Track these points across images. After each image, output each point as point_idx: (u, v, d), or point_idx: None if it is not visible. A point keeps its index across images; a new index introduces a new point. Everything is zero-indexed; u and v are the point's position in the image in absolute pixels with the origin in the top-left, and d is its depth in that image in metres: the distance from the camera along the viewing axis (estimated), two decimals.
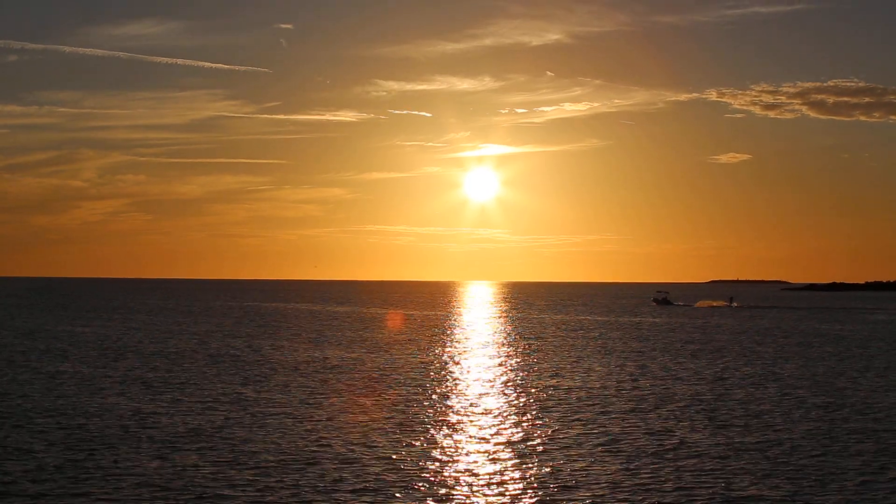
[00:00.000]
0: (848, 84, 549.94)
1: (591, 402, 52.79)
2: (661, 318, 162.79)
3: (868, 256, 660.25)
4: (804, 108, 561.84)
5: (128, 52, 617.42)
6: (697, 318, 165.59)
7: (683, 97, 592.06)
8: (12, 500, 29.66)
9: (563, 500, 30.23)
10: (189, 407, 49.80)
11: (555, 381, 63.82)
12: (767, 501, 30.18)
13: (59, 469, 33.96)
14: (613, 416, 47.83)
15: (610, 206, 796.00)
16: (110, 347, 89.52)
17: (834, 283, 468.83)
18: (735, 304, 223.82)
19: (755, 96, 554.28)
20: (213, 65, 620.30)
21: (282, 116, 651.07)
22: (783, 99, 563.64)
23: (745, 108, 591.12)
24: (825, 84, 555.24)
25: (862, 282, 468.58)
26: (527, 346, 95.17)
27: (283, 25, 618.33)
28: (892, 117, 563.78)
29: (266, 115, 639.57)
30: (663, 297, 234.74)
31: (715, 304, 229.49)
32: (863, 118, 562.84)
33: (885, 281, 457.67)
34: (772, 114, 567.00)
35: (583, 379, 65.08)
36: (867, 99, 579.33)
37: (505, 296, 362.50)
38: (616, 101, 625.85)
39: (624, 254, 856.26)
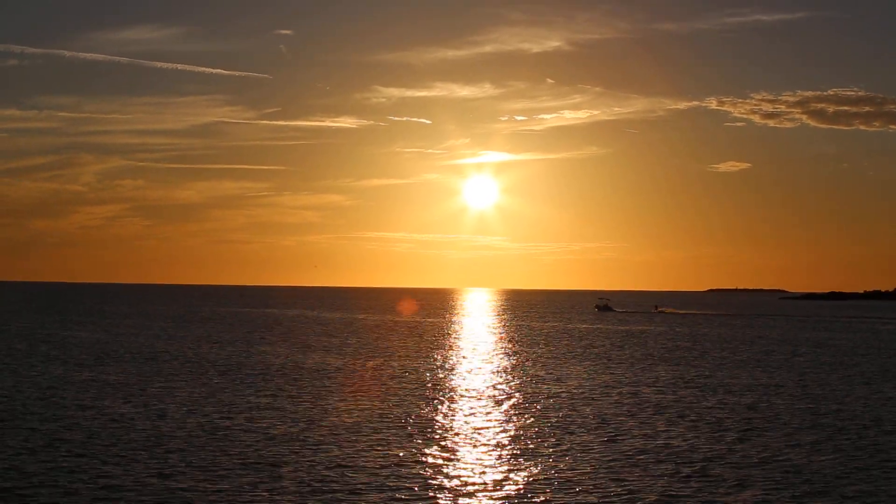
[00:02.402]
0: (848, 93, 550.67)
1: (564, 407, 52.90)
2: (603, 325, 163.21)
3: (868, 266, 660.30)
4: (804, 117, 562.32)
5: (128, 57, 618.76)
6: (632, 323, 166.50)
7: (683, 105, 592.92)
8: None
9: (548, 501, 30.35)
10: (173, 411, 49.88)
11: (520, 385, 63.98)
12: None
13: (41, 473, 34.04)
14: (591, 421, 47.96)
15: (609, 213, 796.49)
16: (103, 352, 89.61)
17: (833, 293, 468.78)
18: (664, 310, 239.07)
19: (755, 105, 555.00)
20: (213, 70, 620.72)
21: (281, 122, 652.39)
22: (783, 108, 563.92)
23: (744, 116, 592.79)
24: (825, 93, 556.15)
25: (861, 291, 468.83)
26: (495, 352, 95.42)
27: (283, 31, 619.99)
28: (892, 126, 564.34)
29: (266, 121, 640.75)
30: (605, 304, 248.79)
31: (667, 310, 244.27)
32: (863, 127, 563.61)
33: (884, 290, 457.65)
34: (771, 122, 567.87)
35: (545, 383, 65.21)
36: (867, 108, 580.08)
37: (495, 304, 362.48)
38: (616, 108, 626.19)
39: (622, 262, 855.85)
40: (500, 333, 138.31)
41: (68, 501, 29.90)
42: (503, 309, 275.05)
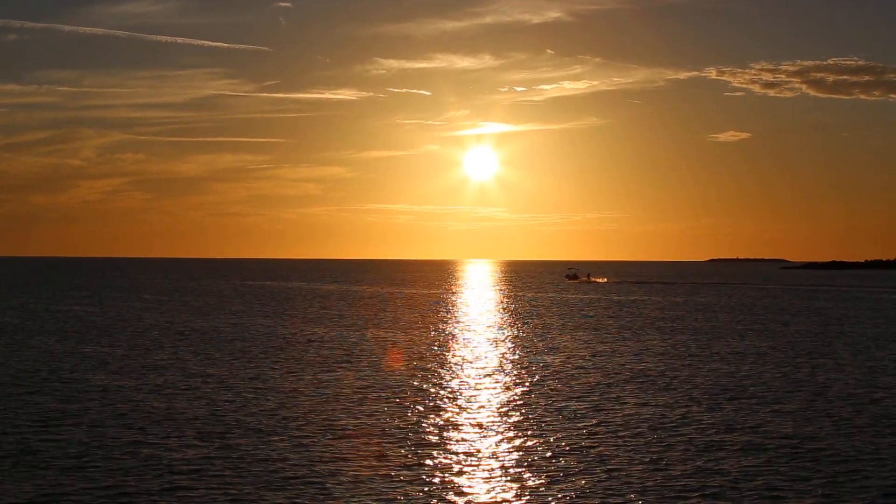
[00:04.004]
0: (847, 62, 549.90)
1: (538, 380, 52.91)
2: (566, 293, 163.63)
3: (868, 235, 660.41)
4: (804, 87, 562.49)
5: (127, 30, 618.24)
6: (592, 292, 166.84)
7: (683, 75, 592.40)
8: None
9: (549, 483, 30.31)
10: (168, 384, 49.88)
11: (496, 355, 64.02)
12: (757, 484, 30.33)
13: (28, 444, 34.05)
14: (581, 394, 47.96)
15: (609, 184, 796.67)
16: (99, 326, 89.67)
17: (833, 262, 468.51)
18: (601, 280, 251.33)
19: (755, 75, 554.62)
20: (213, 43, 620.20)
21: (281, 95, 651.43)
22: (783, 77, 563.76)
23: (744, 86, 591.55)
24: (825, 62, 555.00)
25: (861, 260, 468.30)
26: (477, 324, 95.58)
27: (282, 4, 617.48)
28: (892, 96, 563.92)
29: (265, 94, 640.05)
30: (574, 273, 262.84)
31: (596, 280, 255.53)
32: (862, 97, 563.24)
33: (884, 259, 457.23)
34: (771, 92, 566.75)
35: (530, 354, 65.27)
36: (867, 77, 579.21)
37: (484, 276, 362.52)
38: (616, 79, 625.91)
39: (623, 232, 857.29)
40: (482, 304, 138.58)
41: (60, 472, 29.89)
42: (484, 281, 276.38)
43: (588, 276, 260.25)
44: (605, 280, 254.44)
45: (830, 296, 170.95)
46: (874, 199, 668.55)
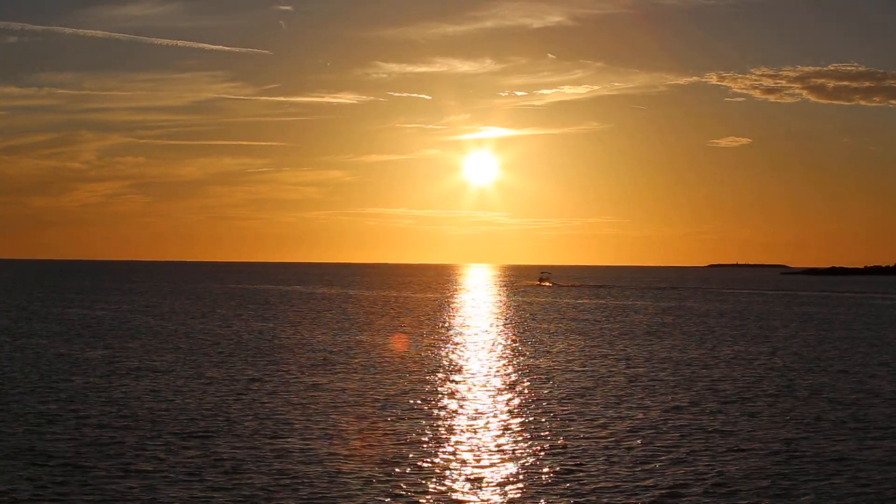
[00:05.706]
0: (848, 68, 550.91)
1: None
2: (542, 298, 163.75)
3: (868, 241, 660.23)
4: (804, 93, 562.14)
5: (127, 33, 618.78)
6: (567, 296, 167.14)
7: (684, 80, 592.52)
8: None
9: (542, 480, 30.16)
10: (161, 387, 49.76)
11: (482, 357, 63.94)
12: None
13: (22, 445, 33.91)
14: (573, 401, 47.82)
15: (610, 189, 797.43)
16: (95, 328, 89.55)
17: (834, 268, 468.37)
18: (547, 284, 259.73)
19: (755, 80, 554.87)
20: (213, 46, 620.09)
21: (281, 98, 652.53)
22: (783, 83, 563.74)
23: (745, 91, 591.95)
24: (825, 68, 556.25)
25: (861, 266, 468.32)
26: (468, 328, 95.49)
27: (283, 7, 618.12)
28: (893, 102, 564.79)
29: (265, 97, 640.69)
30: (546, 277, 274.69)
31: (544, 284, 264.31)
32: (863, 102, 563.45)
33: (884, 266, 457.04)
34: (772, 98, 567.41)
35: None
36: (867, 83, 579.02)
37: (465, 280, 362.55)
38: (617, 84, 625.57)
39: (624, 237, 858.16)
40: (455, 308, 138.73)
41: (53, 472, 29.75)
42: (461, 285, 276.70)
43: (540, 280, 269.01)
44: (550, 284, 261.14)
45: (830, 302, 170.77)
46: (875, 206, 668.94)
